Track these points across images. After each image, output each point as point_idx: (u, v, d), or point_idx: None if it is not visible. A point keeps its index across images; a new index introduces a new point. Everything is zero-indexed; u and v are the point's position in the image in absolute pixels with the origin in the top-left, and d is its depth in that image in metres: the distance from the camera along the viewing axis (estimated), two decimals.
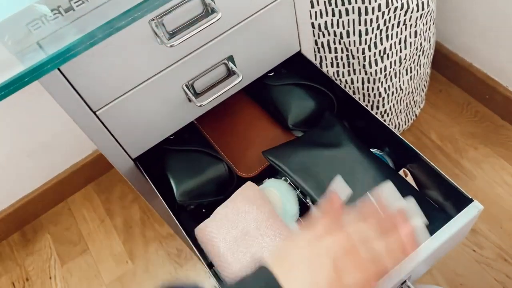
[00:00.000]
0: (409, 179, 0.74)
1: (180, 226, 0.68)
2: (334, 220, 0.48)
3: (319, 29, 1.03)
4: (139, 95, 0.70)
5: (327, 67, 1.13)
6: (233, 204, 0.70)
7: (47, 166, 1.50)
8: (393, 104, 1.25)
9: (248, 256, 0.65)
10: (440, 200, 0.71)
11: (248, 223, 0.67)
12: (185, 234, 0.68)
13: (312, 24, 1.03)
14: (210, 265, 0.70)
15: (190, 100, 0.76)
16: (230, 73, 0.77)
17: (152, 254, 1.39)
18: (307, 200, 0.76)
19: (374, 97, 1.19)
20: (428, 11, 1.06)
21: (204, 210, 0.82)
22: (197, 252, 0.68)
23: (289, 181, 0.77)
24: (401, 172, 0.75)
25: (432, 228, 0.65)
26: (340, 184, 0.53)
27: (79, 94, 0.63)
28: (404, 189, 0.69)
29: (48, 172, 1.52)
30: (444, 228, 0.62)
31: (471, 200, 0.63)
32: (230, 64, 0.75)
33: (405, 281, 0.61)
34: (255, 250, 0.65)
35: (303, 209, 0.76)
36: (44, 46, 0.53)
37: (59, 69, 0.58)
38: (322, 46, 1.08)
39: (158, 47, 0.66)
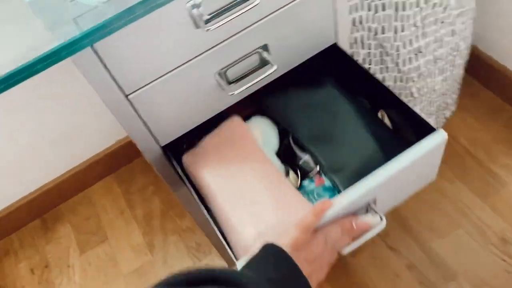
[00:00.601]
0: (386, 120, 0.80)
1: (207, 214, 0.67)
2: (316, 218, 0.56)
3: (354, 23, 1.01)
4: (172, 81, 0.68)
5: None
6: (219, 133, 0.76)
7: (69, 155, 1.50)
8: (425, 106, 1.22)
9: (231, 184, 0.69)
10: (414, 141, 0.71)
11: (232, 152, 0.72)
12: (212, 223, 0.66)
13: None
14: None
15: (222, 89, 0.74)
16: (264, 63, 0.75)
17: (171, 247, 1.38)
18: (290, 139, 0.81)
19: (406, 97, 1.16)
20: (468, 9, 1.02)
21: None
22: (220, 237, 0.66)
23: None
24: (379, 114, 0.81)
25: None
26: (337, 202, 0.59)
27: (112, 76, 0.62)
28: (379, 128, 0.77)
29: (70, 161, 1.52)
30: (406, 152, 0.62)
31: (435, 129, 0.65)
32: (264, 53, 0.73)
33: (369, 204, 0.63)
34: (239, 179, 0.69)
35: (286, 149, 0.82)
36: (81, 22, 0.52)
37: (93, 49, 0.57)
38: (355, 42, 1.05)
39: (194, 31, 0.64)
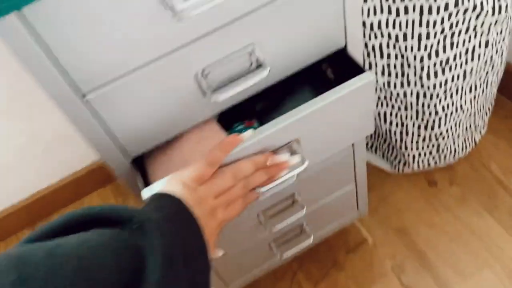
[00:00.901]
0: (329, 72, 0.78)
1: None
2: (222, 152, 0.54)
3: (371, 28, 0.88)
4: (141, 80, 0.57)
5: (376, 75, 0.97)
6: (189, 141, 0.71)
7: (65, 162, 1.41)
8: (451, 126, 1.07)
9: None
10: None
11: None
12: None
13: (363, 22, 0.88)
14: None
15: (203, 94, 0.62)
16: (255, 66, 0.63)
17: None
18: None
19: (430, 115, 1.02)
20: (506, 17, 0.88)
21: None
22: None
23: None
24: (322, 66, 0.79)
25: None
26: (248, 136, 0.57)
27: (58, 63, 0.50)
28: (319, 80, 0.77)
29: (65, 168, 1.43)
30: (331, 91, 0.61)
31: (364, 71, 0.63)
32: (257, 52, 0.61)
33: (291, 145, 0.61)
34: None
35: None
36: None
37: (27, 22, 0.46)
38: (373, 50, 0.92)
39: (168, 19, 0.53)
